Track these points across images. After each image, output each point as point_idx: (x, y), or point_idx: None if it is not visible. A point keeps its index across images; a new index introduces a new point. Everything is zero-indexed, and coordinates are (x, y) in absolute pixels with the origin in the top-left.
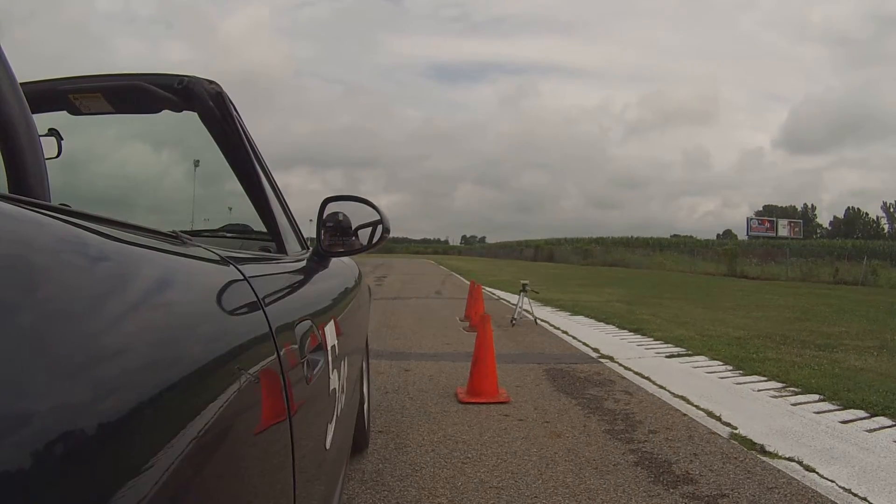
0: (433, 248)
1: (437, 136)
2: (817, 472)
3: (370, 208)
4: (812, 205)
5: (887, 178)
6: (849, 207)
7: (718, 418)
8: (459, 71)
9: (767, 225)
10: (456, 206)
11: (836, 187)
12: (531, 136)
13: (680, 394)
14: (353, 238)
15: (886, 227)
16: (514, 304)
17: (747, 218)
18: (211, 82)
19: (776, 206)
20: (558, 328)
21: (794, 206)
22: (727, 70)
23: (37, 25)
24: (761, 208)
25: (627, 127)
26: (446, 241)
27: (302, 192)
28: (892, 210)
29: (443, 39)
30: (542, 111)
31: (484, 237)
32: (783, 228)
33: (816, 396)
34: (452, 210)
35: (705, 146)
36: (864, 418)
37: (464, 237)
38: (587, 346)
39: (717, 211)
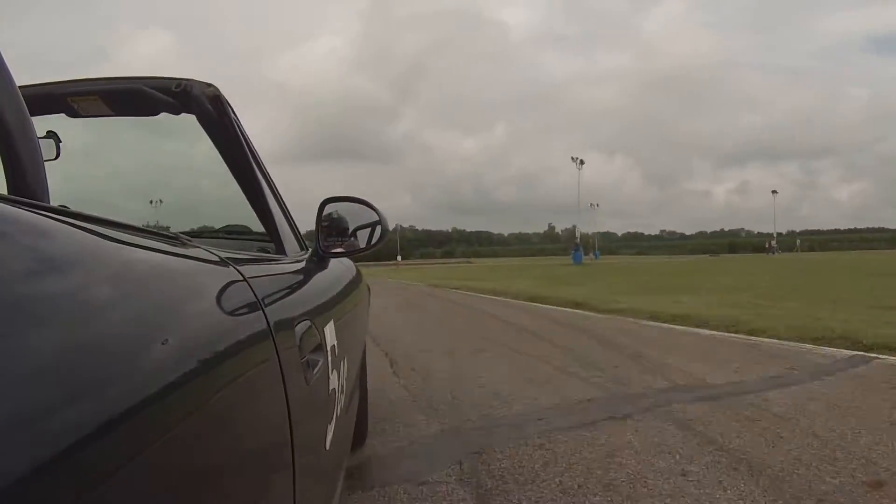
0: None
1: (889, 114)
2: None
3: (369, 209)
4: None
5: None
6: None
7: None
8: None
9: None
10: None
11: None
12: None
13: None
14: (352, 239)
15: None
16: None
17: None
18: (209, 85)
19: None
20: None
21: None
22: None
23: None
24: None
25: None
26: None
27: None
28: None
29: (872, 9)
30: None
31: None
32: None
33: None
34: None
35: None
36: None
37: None
38: None
39: None
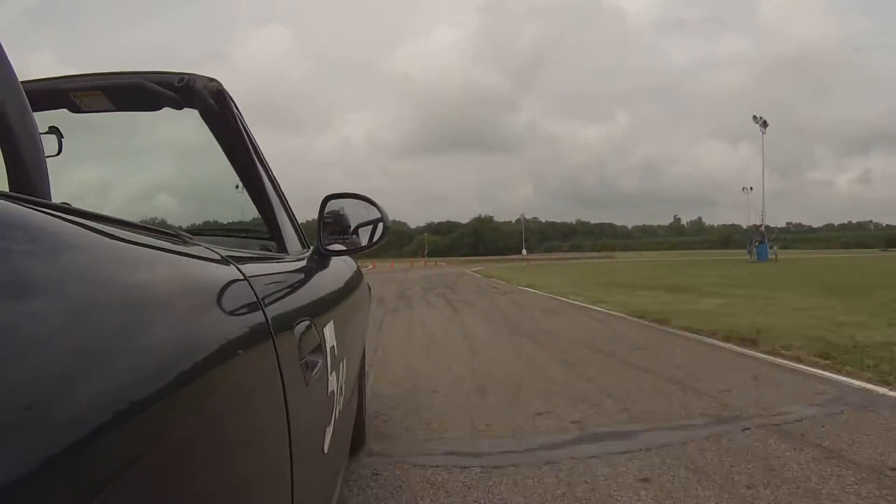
0: None
1: None
2: None
3: (371, 206)
4: None
5: None
6: None
7: None
8: None
9: None
10: None
11: None
12: None
13: None
14: (354, 236)
15: None
16: None
17: None
18: (211, 80)
19: None
20: None
21: None
22: None
23: None
24: None
25: None
26: None
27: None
28: None
29: None
30: None
31: None
32: None
33: None
34: None
35: None
36: None
37: None
38: None
39: None
